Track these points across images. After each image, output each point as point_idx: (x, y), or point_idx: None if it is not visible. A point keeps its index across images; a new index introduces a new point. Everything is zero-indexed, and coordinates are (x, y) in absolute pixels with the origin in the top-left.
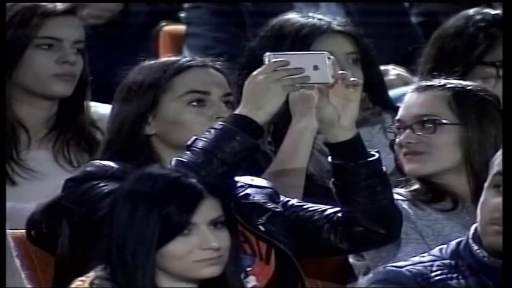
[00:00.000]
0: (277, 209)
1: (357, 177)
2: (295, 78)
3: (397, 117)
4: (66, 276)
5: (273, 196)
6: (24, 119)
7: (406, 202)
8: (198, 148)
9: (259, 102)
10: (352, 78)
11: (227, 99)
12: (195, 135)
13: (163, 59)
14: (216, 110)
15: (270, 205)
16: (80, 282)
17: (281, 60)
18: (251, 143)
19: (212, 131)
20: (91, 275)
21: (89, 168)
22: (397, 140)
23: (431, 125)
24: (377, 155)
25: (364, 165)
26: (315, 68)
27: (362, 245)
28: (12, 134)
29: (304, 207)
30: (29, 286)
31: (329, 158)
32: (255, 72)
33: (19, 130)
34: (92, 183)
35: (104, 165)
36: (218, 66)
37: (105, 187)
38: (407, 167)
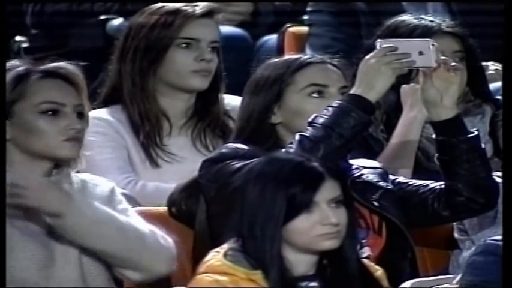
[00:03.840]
0: (388, 187)
1: (459, 152)
2: (403, 62)
3: None
4: (203, 248)
5: (384, 175)
6: (167, 109)
7: None
8: (318, 124)
9: (371, 83)
10: (453, 63)
11: (343, 91)
12: (316, 114)
13: (287, 56)
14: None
15: (381, 183)
16: (215, 253)
17: (390, 46)
18: (365, 118)
19: (330, 108)
20: (225, 246)
21: (223, 150)
22: None
23: None
24: (476, 133)
25: (465, 141)
26: (420, 53)
27: (462, 213)
28: (156, 123)
29: (410, 183)
30: None
31: (433, 135)
32: (367, 57)
33: (162, 119)
34: (226, 162)
35: (236, 147)
36: (335, 63)
37: (237, 164)
38: None
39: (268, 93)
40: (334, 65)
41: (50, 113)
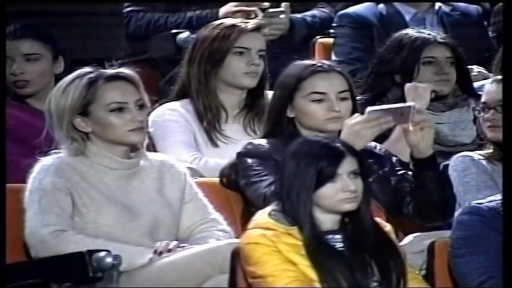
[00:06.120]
0: (384, 171)
1: (428, 180)
2: (383, 126)
3: (483, 100)
4: (251, 210)
5: (388, 155)
6: (224, 102)
7: (485, 160)
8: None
9: (353, 142)
10: (425, 123)
11: (342, 95)
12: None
13: (305, 62)
14: (331, 104)
15: (377, 168)
16: (261, 213)
17: (376, 117)
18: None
19: None
20: (269, 208)
21: (249, 146)
22: (483, 116)
23: None
24: (441, 168)
25: (433, 174)
26: (401, 115)
27: (427, 220)
28: (216, 112)
29: (400, 173)
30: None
31: (411, 165)
32: (352, 121)
33: (220, 110)
34: (251, 171)
35: (258, 144)
36: (339, 69)
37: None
38: (492, 135)
39: (284, 94)
40: (338, 72)
41: (116, 110)
